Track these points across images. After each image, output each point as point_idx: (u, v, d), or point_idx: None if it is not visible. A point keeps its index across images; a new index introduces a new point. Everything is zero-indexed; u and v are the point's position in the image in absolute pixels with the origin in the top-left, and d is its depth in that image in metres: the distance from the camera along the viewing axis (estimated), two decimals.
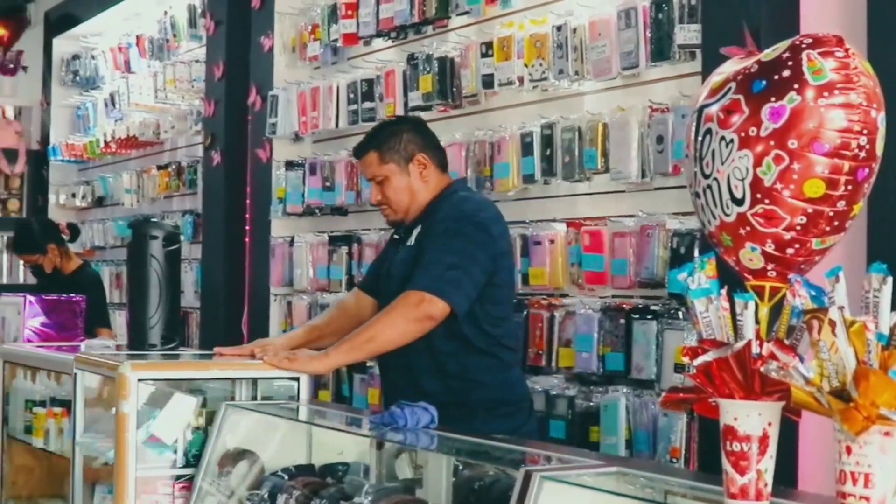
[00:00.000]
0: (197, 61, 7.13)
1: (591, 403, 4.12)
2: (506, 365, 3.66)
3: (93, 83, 8.86)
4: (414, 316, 3.49)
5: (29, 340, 5.79)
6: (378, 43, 5.41)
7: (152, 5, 7.68)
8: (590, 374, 4.19)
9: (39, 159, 9.48)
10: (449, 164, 4.82)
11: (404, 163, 3.66)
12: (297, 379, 3.57)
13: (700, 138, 2.29)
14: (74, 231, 7.17)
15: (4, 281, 9.69)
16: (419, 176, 3.68)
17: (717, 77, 2.34)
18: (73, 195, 9.13)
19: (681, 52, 3.88)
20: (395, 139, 3.68)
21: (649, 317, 3.97)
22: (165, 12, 7.51)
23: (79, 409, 3.78)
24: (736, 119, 2.21)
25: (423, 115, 5.07)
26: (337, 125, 5.54)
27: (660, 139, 3.95)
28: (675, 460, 3.77)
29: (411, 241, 3.68)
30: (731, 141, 2.20)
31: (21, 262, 8.06)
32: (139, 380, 3.32)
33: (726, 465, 1.97)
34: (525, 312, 4.43)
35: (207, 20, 6.69)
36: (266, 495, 3.22)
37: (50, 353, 4.33)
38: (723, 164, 2.22)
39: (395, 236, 3.84)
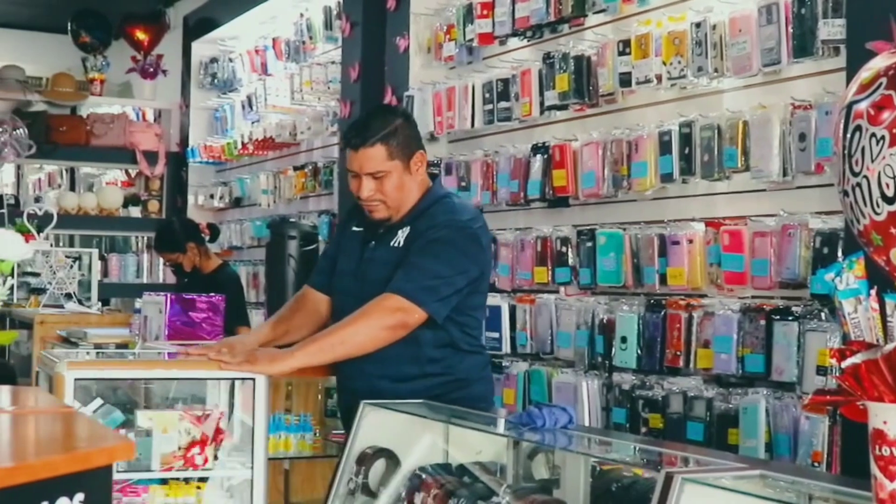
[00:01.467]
0: (333, 63, 7.20)
1: (730, 405, 4.06)
2: (486, 360, 3.78)
3: (230, 86, 9.00)
4: (389, 323, 3.44)
5: (170, 338, 5.91)
6: (514, 42, 5.40)
7: (288, 8, 7.78)
8: (728, 376, 4.13)
9: (179, 161, 9.67)
10: (586, 164, 4.83)
11: (406, 160, 3.53)
12: (254, 380, 3.45)
13: (849, 135, 2.24)
14: (214, 231, 7.30)
15: (145, 280, 9.90)
16: (415, 173, 3.57)
17: (866, 73, 2.28)
18: (211, 196, 9.29)
19: (824, 47, 3.80)
20: (400, 134, 3.54)
21: (790, 318, 3.90)
22: (301, 15, 7.60)
23: None
24: (887, 115, 2.15)
25: (560, 115, 5.08)
26: (473, 125, 5.55)
27: (802, 137, 3.88)
28: (816, 464, 3.70)
29: (398, 241, 3.57)
30: (882, 138, 2.14)
31: (161, 260, 8.23)
32: (76, 379, 3.26)
33: (875, 469, 1.92)
34: (663, 313, 4.38)
35: (343, 22, 6.75)
36: (404, 494, 3.24)
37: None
38: (873, 161, 2.17)
39: (356, 229, 3.71)
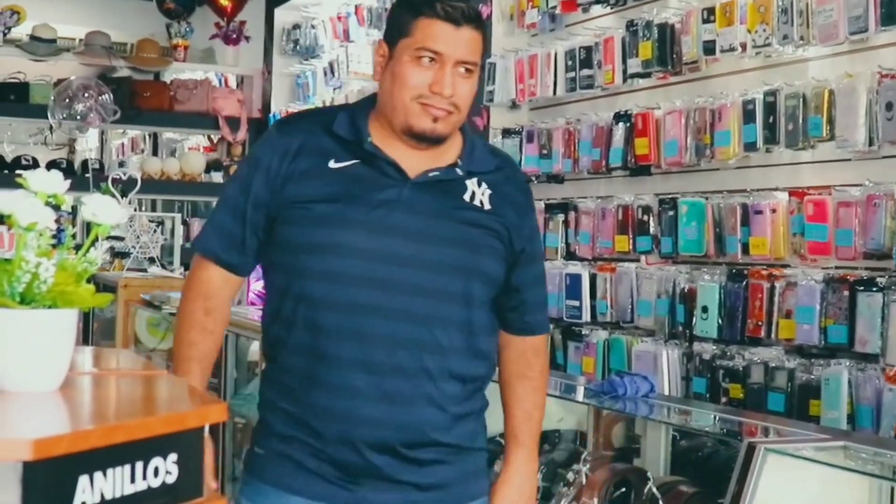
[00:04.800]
0: None
1: (812, 376, 4.04)
2: None
3: (312, 52, 9.04)
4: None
5: (252, 304, 5.99)
6: (597, 10, 5.38)
7: None
8: (811, 347, 4.11)
9: (260, 127, 9.72)
10: (669, 132, 4.81)
11: (480, 69, 2.62)
12: None
13: None
14: None
15: None
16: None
17: None
18: None
19: None
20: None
21: (875, 289, 3.87)
22: None
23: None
24: None
25: (643, 83, 5.06)
26: (555, 93, 5.54)
27: (889, 106, 3.83)
28: None
29: (478, 199, 2.60)
30: None
31: None
32: None
33: None
34: (745, 282, 4.36)
35: None
36: None
37: None
38: None
39: (341, 164, 2.56)
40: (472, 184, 2.60)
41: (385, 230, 2.51)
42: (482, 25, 2.58)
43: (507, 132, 5.91)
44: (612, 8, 5.28)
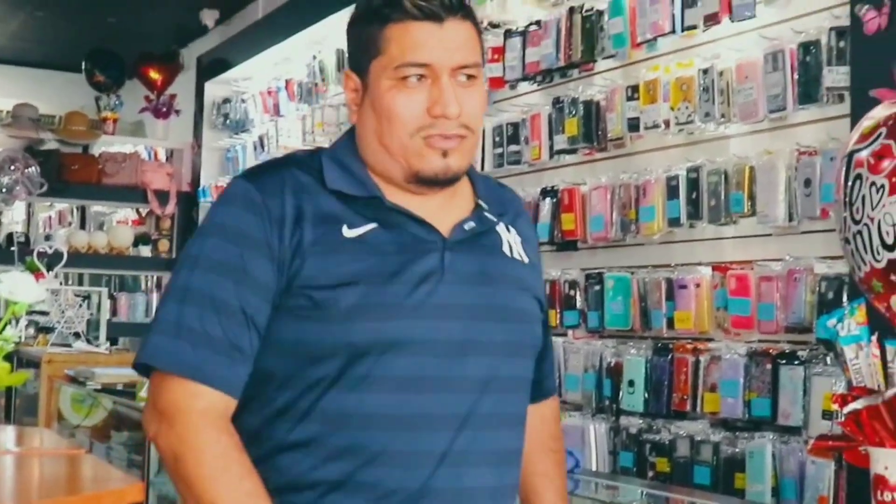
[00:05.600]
0: (344, 105, 7.23)
1: (737, 449, 4.07)
2: None
3: (242, 126, 9.05)
4: None
5: None
6: (524, 87, 5.44)
7: (302, 50, 7.84)
8: (735, 420, 4.14)
9: (189, 201, 9.70)
10: (594, 207, 4.86)
11: (482, 66, 2.06)
12: None
13: (850, 183, 2.28)
14: None
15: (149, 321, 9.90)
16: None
17: (867, 122, 2.32)
18: None
19: (829, 94, 3.83)
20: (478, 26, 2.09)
21: (796, 362, 3.92)
22: (314, 56, 7.66)
23: None
24: (887, 164, 2.19)
25: (569, 159, 5.11)
26: (483, 168, 5.57)
27: (807, 182, 3.91)
28: None
29: (515, 250, 2.12)
30: (882, 186, 2.18)
31: None
32: None
33: None
34: (670, 356, 4.40)
35: None
36: None
37: None
38: (873, 209, 2.20)
39: (362, 229, 1.97)
40: (502, 230, 2.10)
41: (435, 312, 1.94)
42: (471, 13, 2.03)
43: None
44: (538, 85, 5.34)
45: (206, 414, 1.87)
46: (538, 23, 5.15)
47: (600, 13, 4.78)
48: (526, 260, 2.11)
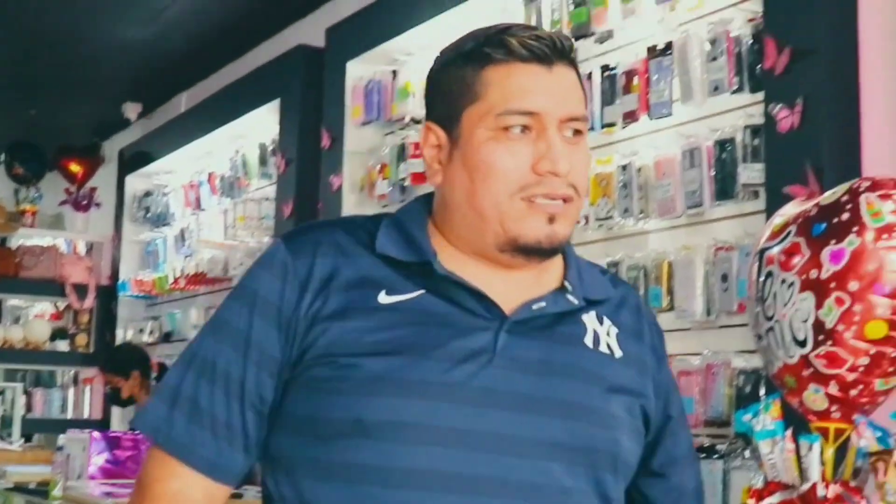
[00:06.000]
0: (267, 199, 7.24)
1: None
2: None
3: (163, 220, 9.01)
4: None
5: (93, 478, 5.84)
6: None
7: (224, 144, 7.84)
8: None
9: (109, 295, 9.60)
10: None
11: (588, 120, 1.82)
12: None
13: (762, 280, 2.32)
14: (162, 371, 7.27)
15: (70, 416, 9.76)
16: None
17: (777, 219, 2.37)
18: (141, 330, 9.22)
19: (744, 191, 3.90)
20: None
21: (715, 456, 3.94)
22: (237, 151, 7.66)
23: None
24: (797, 261, 2.23)
25: None
26: None
27: (724, 277, 3.96)
28: None
29: (601, 342, 1.75)
30: (793, 283, 2.22)
31: (104, 384, 8.13)
32: None
33: None
34: None
35: (278, 159, 6.82)
36: None
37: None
38: (785, 306, 2.24)
39: (398, 297, 1.69)
40: (590, 319, 1.76)
41: (477, 398, 1.61)
42: (576, 60, 1.76)
43: None
44: None
45: (176, 497, 1.68)
46: None
47: None
48: (618, 353, 1.75)
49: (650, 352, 1.88)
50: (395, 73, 5.75)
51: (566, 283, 1.76)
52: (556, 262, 1.78)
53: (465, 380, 1.61)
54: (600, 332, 1.75)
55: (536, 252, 1.68)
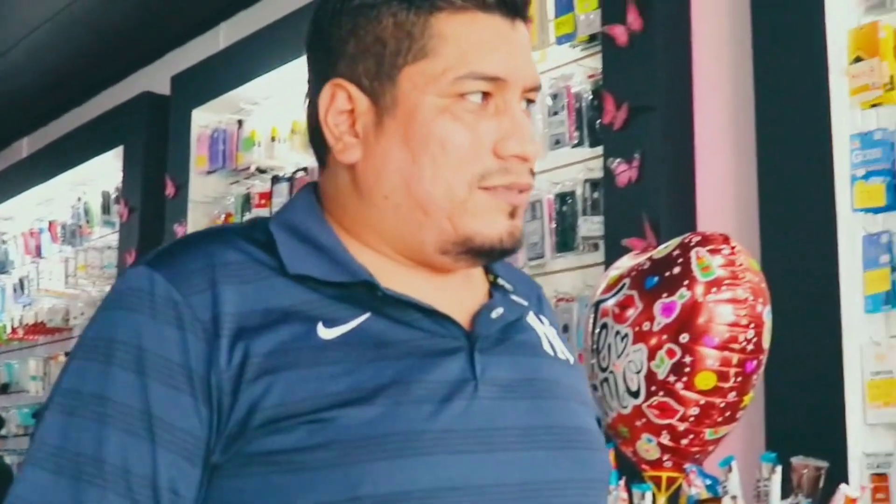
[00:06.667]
0: (109, 248, 7.14)
1: None
2: None
3: (2, 268, 8.79)
4: None
5: None
6: None
7: (66, 191, 7.71)
8: None
9: None
10: None
11: None
12: None
13: (597, 332, 2.36)
14: (0, 422, 7.09)
15: None
16: None
17: (613, 272, 2.43)
18: None
19: (584, 243, 3.97)
20: None
21: None
22: (79, 198, 7.54)
23: None
24: (630, 314, 2.28)
25: None
26: None
27: (565, 328, 4.02)
28: None
29: (554, 347, 1.43)
30: (626, 335, 2.27)
31: None
32: None
33: None
34: None
35: (121, 207, 6.73)
36: None
37: None
38: (618, 357, 2.29)
39: (345, 325, 1.28)
40: (534, 322, 1.45)
41: (477, 443, 1.27)
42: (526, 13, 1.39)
43: None
44: None
45: None
46: (305, 169, 5.21)
47: None
48: (571, 360, 1.46)
49: (575, 353, 1.53)
50: (240, 122, 5.74)
51: (501, 282, 1.44)
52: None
53: (458, 422, 1.25)
54: (549, 334, 1.44)
55: (492, 254, 1.34)
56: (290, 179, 5.29)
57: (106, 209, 7.20)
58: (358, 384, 1.23)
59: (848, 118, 3.12)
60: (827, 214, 3.08)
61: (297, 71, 5.18)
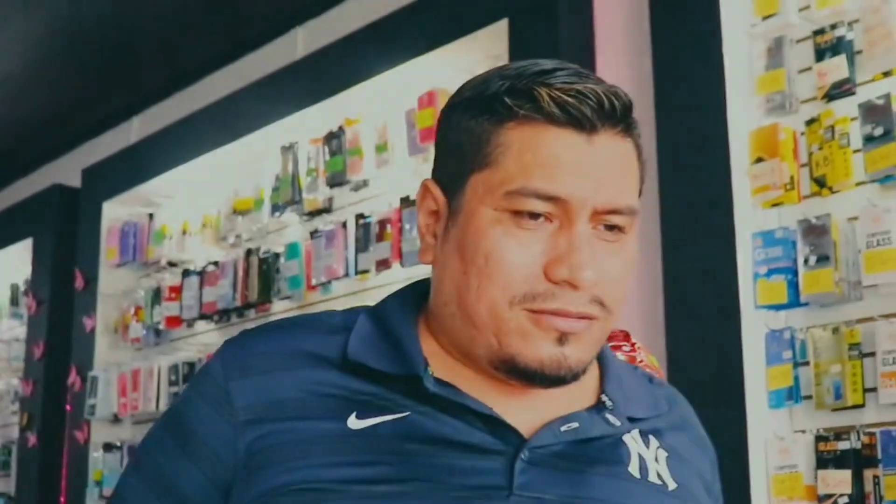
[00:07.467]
0: (17, 340, 7.04)
1: None
2: None
3: None
4: None
5: None
6: (201, 325, 5.44)
7: None
8: None
9: None
10: None
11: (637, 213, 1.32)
12: None
13: None
14: None
15: None
16: None
17: None
18: None
19: None
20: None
21: None
22: None
23: None
24: None
25: None
26: (157, 407, 5.50)
27: None
28: None
29: (647, 468, 1.32)
30: None
31: None
32: None
33: None
34: None
35: (30, 299, 6.65)
36: None
37: None
38: None
39: (378, 417, 1.27)
40: (633, 441, 1.34)
41: None
42: (634, 127, 1.30)
43: (108, 446, 5.78)
44: (216, 324, 5.35)
45: None
46: (216, 263, 5.20)
47: (277, 255, 4.87)
48: (671, 484, 1.32)
49: (704, 487, 1.40)
50: (151, 215, 5.73)
51: (604, 399, 1.34)
52: (591, 370, 1.36)
53: None
54: (646, 456, 1.33)
55: (538, 379, 1.25)
56: (201, 273, 5.27)
57: (14, 301, 7.11)
58: (363, 477, 1.20)
59: (750, 217, 3.18)
60: (731, 311, 3.12)
61: (208, 165, 5.20)
